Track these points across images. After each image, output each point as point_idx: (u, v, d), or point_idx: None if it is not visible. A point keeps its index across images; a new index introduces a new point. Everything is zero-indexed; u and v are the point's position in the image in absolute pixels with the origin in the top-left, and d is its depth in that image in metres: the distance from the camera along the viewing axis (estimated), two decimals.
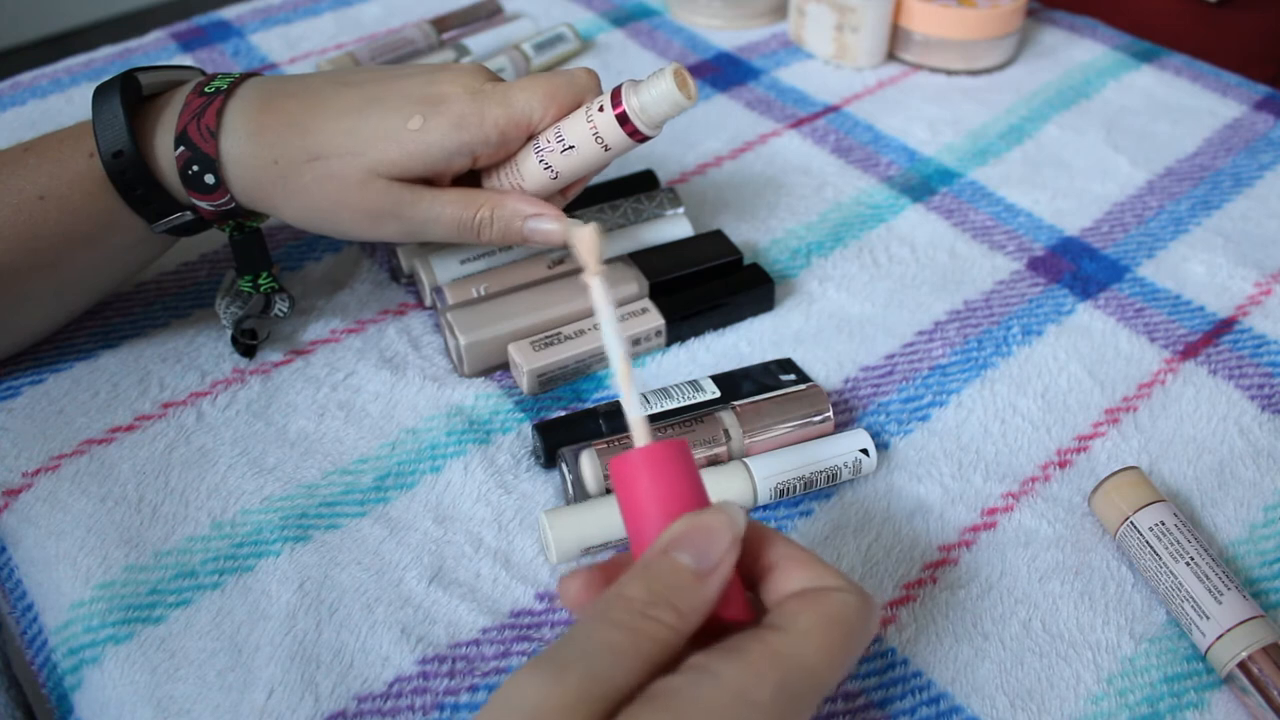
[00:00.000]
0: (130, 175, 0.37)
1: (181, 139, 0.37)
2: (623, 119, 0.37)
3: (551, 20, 0.66)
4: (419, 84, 0.38)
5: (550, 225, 0.39)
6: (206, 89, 0.38)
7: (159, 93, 0.39)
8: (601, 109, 0.37)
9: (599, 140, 0.38)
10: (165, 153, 0.38)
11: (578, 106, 0.38)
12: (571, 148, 0.38)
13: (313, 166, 0.37)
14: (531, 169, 0.39)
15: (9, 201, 0.37)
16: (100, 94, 0.38)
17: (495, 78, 0.39)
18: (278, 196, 0.38)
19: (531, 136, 0.39)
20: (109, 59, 0.63)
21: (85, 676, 0.33)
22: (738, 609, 0.26)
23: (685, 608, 0.24)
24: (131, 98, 0.38)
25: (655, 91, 0.37)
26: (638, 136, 0.38)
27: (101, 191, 0.37)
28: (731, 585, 0.26)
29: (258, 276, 0.42)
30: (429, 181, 0.38)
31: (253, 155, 0.37)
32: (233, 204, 0.38)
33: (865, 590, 0.26)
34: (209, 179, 0.37)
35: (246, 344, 0.42)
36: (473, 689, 0.33)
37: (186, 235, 0.41)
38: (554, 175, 0.39)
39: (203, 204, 0.38)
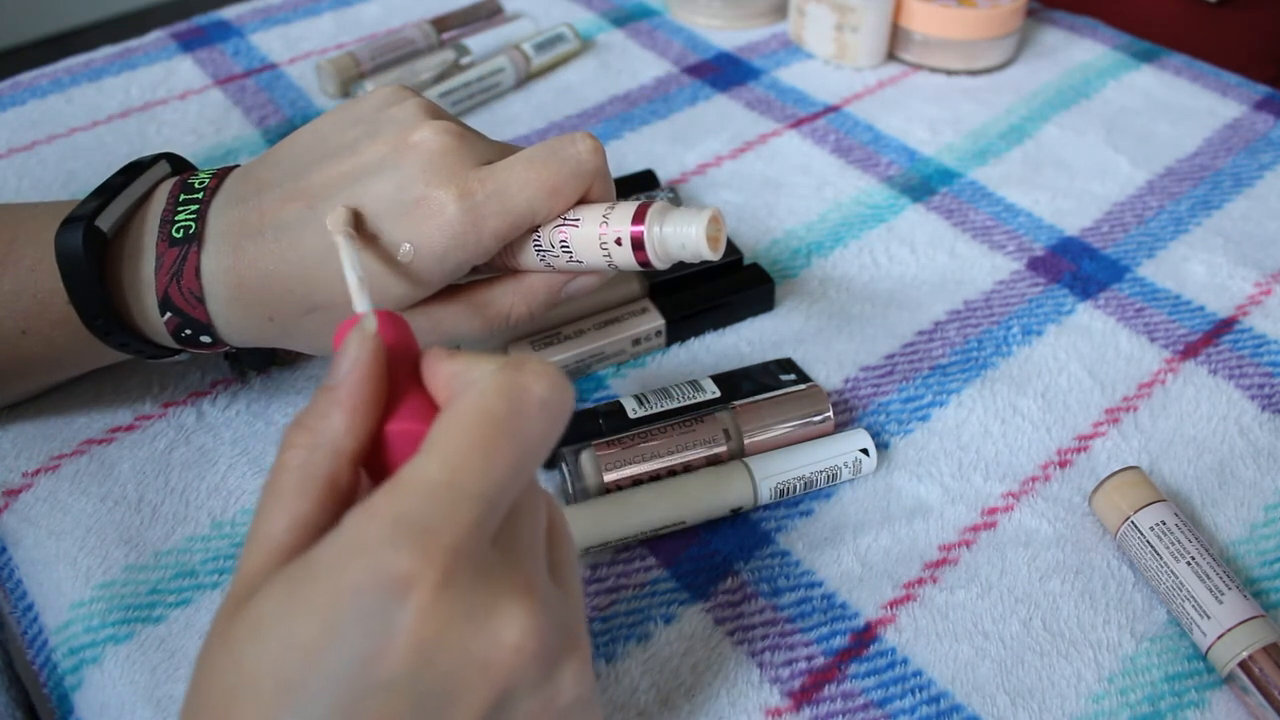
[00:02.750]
0: (116, 336, 0.34)
1: (166, 305, 0.33)
2: (637, 245, 0.32)
3: (551, 20, 0.66)
4: (390, 189, 0.32)
5: (589, 281, 0.35)
6: (175, 232, 0.33)
7: (128, 216, 0.35)
8: (619, 241, 0.33)
9: (609, 262, 0.33)
10: (152, 315, 0.34)
11: (582, 194, 0.34)
12: (579, 262, 0.34)
13: (312, 318, 0.33)
14: (530, 261, 0.35)
15: None
16: (63, 249, 0.33)
17: (473, 145, 0.33)
18: (281, 342, 0.35)
19: (534, 230, 0.34)
20: (109, 59, 0.63)
21: (85, 676, 0.33)
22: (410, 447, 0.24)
23: (312, 422, 0.24)
24: (95, 242, 0.33)
25: (681, 239, 0.32)
26: (649, 267, 0.33)
27: (88, 336, 0.34)
28: (395, 421, 0.24)
29: (264, 368, 0.42)
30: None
31: (244, 317, 0.34)
32: (234, 349, 0.37)
33: (523, 363, 0.23)
34: (205, 339, 0.35)
35: (241, 370, 0.42)
36: None
37: None
38: (554, 271, 0.35)
39: (202, 353, 0.37)
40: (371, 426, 0.25)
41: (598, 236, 0.33)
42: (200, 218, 0.34)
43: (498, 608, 0.22)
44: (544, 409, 0.23)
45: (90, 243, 0.33)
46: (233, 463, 0.39)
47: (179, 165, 0.38)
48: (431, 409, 0.25)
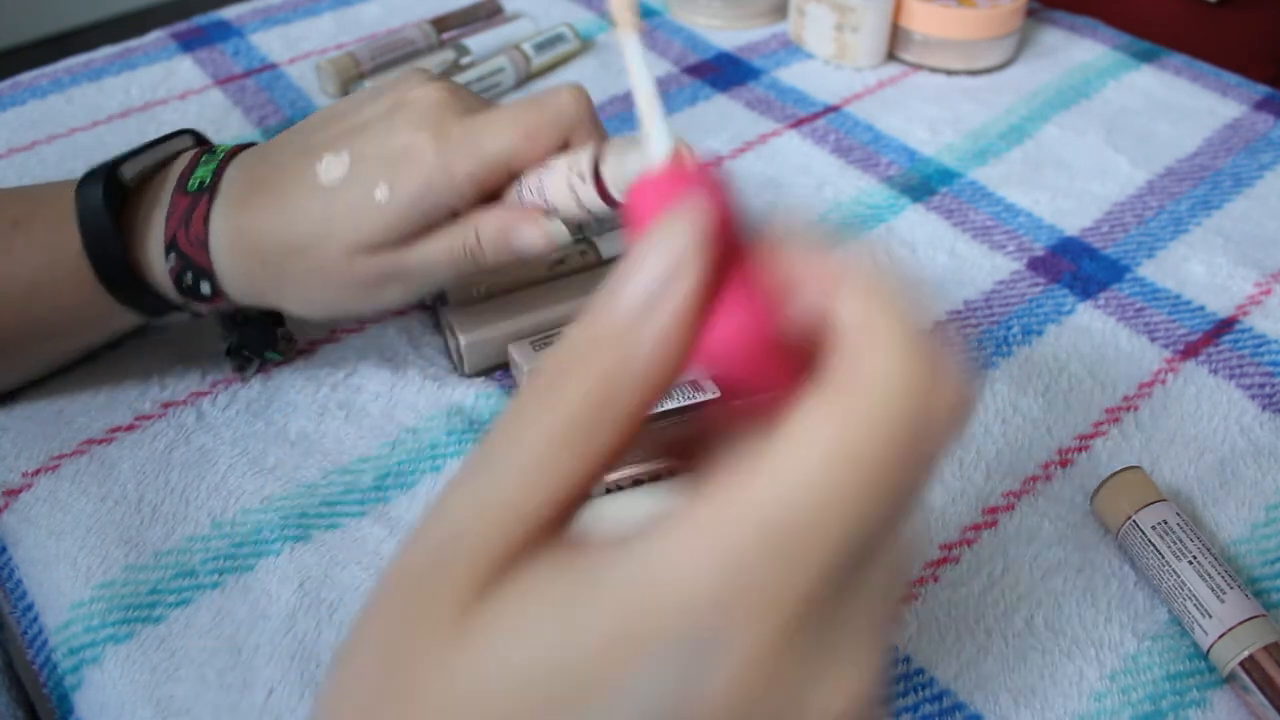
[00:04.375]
0: (123, 284, 0.36)
1: (172, 247, 0.35)
2: (596, 176, 0.33)
3: (551, 20, 0.66)
4: (378, 138, 0.34)
5: (530, 230, 0.34)
6: (190, 185, 0.36)
7: (148, 176, 0.37)
8: (583, 176, 0.33)
9: (576, 200, 0.34)
10: (157, 260, 0.36)
11: (563, 142, 0.34)
12: (556, 208, 0.34)
13: (295, 260, 0.35)
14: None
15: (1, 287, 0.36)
16: (83, 193, 0.35)
17: (464, 100, 0.35)
18: (272, 294, 0.36)
19: (515, 176, 0.35)
20: (109, 59, 0.63)
21: (85, 676, 0.33)
22: (769, 371, 0.17)
23: (611, 343, 0.17)
24: (116, 192, 0.36)
25: (633, 166, 0.32)
26: (614, 203, 0.33)
27: (94, 289, 0.36)
28: (732, 328, 0.17)
29: (263, 353, 0.42)
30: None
31: (241, 261, 0.35)
32: (232, 306, 0.37)
33: (939, 365, 0.17)
34: (205, 287, 0.36)
35: (241, 361, 0.42)
36: None
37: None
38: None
39: (201, 307, 0.37)
40: (690, 351, 0.17)
41: (565, 174, 0.33)
42: (217, 173, 0.36)
43: (827, 677, 0.17)
44: (951, 429, 0.17)
45: (110, 188, 0.35)
46: (233, 463, 0.39)
47: (200, 142, 0.40)
48: (794, 356, 0.17)
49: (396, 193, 0.33)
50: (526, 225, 0.34)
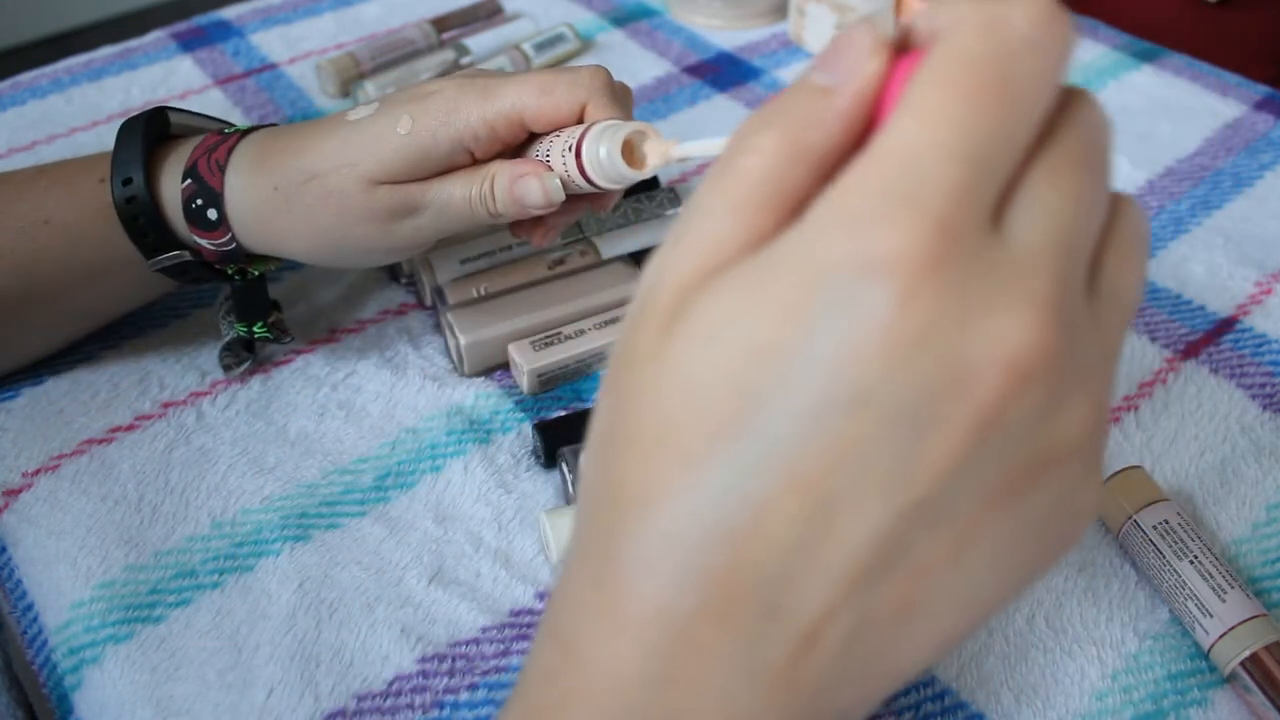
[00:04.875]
0: (134, 204, 0.37)
1: (190, 173, 0.37)
2: (579, 153, 0.33)
3: (551, 20, 0.66)
4: (413, 88, 0.37)
5: (531, 183, 0.35)
6: (226, 129, 0.38)
7: (187, 134, 0.39)
8: (571, 148, 0.34)
9: (566, 170, 0.34)
10: (172, 186, 0.37)
11: (578, 108, 0.35)
12: (553, 168, 0.35)
13: (311, 186, 0.36)
14: None
15: (15, 225, 0.37)
16: (126, 125, 0.38)
17: (497, 74, 0.38)
18: (283, 224, 0.37)
19: (533, 136, 0.36)
20: (109, 59, 0.63)
21: (85, 676, 0.33)
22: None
23: (793, 128, 0.19)
24: (156, 134, 0.38)
25: (602, 152, 0.32)
26: (593, 184, 0.34)
27: (105, 220, 0.37)
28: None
29: (253, 324, 0.41)
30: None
31: (253, 185, 0.36)
32: (234, 244, 0.37)
33: None
34: (211, 214, 0.37)
35: (228, 363, 0.42)
36: (472, 687, 0.33)
37: (188, 282, 0.40)
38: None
39: (204, 242, 0.37)
40: (860, 142, 0.19)
41: (564, 142, 0.34)
42: (254, 127, 0.38)
43: (996, 307, 0.17)
44: (1035, 53, 0.18)
45: (154, 117, 0.38)
46: (233, 463, 0.39)
47: None
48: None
49: (417, 125, 0.35)
50: (530, 176, 0.36)
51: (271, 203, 0.36)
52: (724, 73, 0.62)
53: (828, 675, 0.19)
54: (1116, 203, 0.20)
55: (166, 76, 0.61)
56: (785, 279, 0.18)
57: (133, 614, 0.34)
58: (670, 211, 0.48)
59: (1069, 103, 0.19)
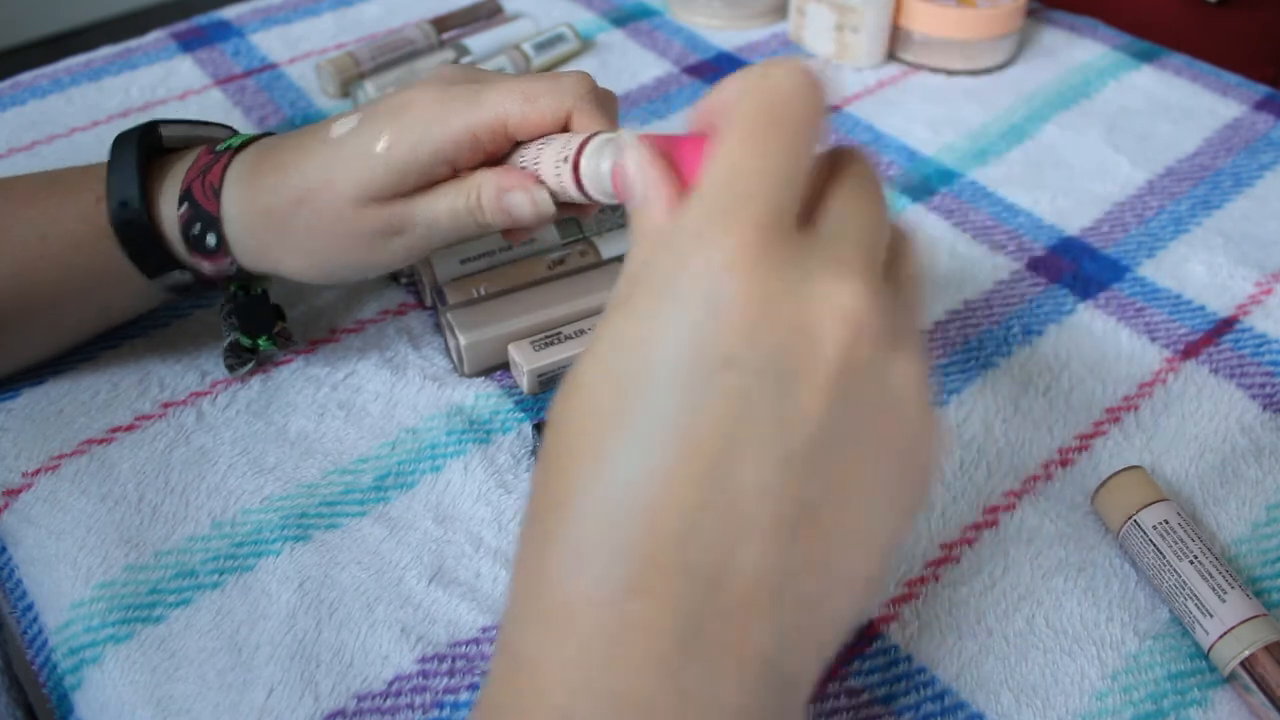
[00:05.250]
0: (132, 227, 0.36)
1: (185, 196, 0.36)
2: (575, 166, 0.32)
3: (551, 20, 0.66)
4: (392, 98, 0.36)
5: (520, 196, 0.35)
6: (218, 147, 0.37)
7: (181, 147, 0.39)
8: (567, 159, 0.33)
9: (559, 181, 0.34)
10: (169, 209, 0.37)
11: (563, 115, 0.35)
12: (545, 184, 0.34)
13: (301, 210, 0.35)
14: None
15: (14, 237, 0.37)
16: (119, 140, 0.37)
17: (478, 75, 0.36)
18: (277, 248, 0.37)
19: (518, 144, 0.36)
20: (109, 59, 0.63)
21: (85, 676, 0.33)
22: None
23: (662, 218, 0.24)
24: (150, 148, 0.37)
25: (604, 167, 0.31)
26: (588, 198, 0.33)
27: (103, 238, 0.37)
28: None
29: (258, 337, 0.41)
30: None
31: (247, 210, 0.36)
32: (234, 268, 0.37)
33: (767, 66, 0.23)
34: (210, 239, 0.36)
35: (232, 364, 0.42)
36: (472, 687, 0.33)
37: (188, 296, 0.40)
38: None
39: (204, 265, 0.37)
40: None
41: (557, 153, 0.33)
42: (247, 142, 0.38)
43: (817, 280, 0.21)
44: (803, 101, 0.23)
45: (146, 134, 0.37)
46: (233, 463, 0.39)
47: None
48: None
49: (395, 142, 0.34)
50: (518, 191, 0.35)
51: (266, 227, 0.36)
52: (724, 73, 0.62)
53: (771, 637, 0.21)
54: (895, 226, 0.26)
55: (166, 76, 0.61)
56: (646, 291, 0.22)
57: (133, 614, 0.34)
58: None
59: (848, 154, 0.24)
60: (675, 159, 0.25)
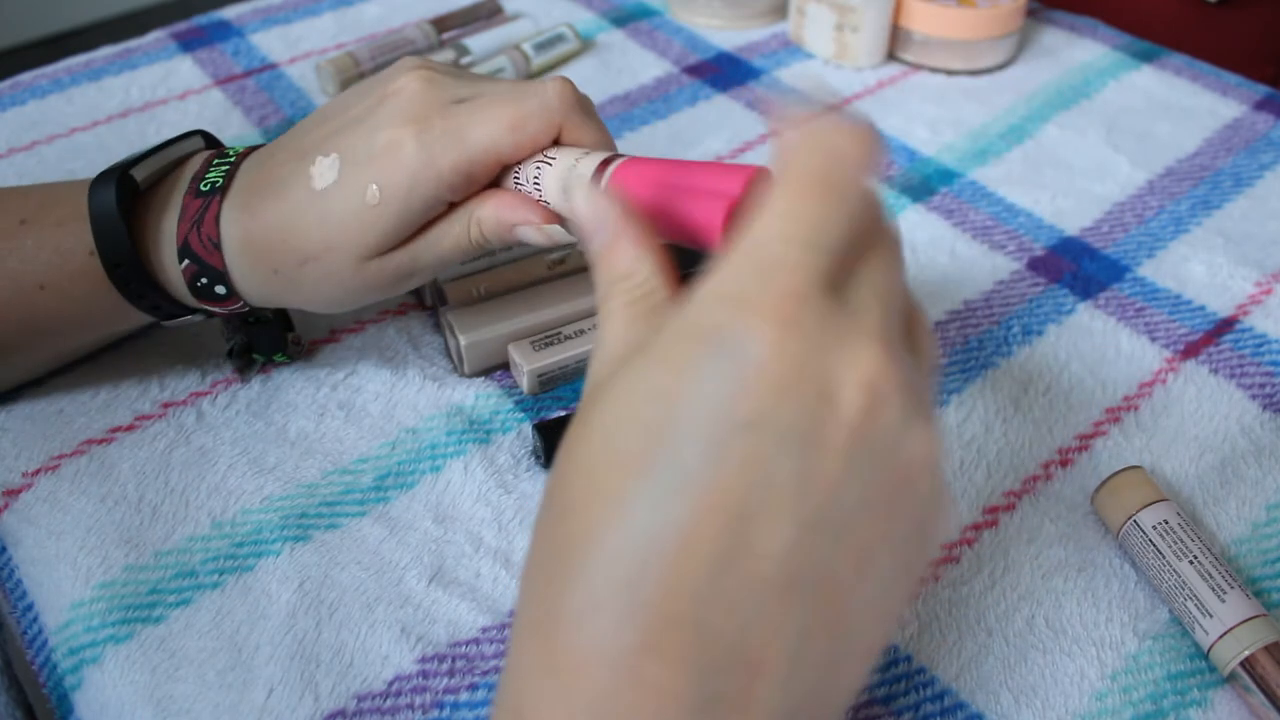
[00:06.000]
0: (135, 286, 0.36)
1: (185, 252, 0.35)
2: None
3: (551, 20, 0.66)
4: (364, 135, 0.34)
5: (528, 230, 0.34)
6: (202, 186, 0.36)
7: (160, 178, 0.37)
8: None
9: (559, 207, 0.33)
10: (170, 265, 0.36)
11: (554, 133, 0.34)
12: (547, 201, 0.34)
13: (307, 269, 0.35)
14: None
15: (6, 286, 0.36)
16: (96, 195, 0.35)
17: (448, 86, 0.34)
18: (289, 296, 0.36)
19: (507, 166, 0.35)
20: (109, 59, 0.63)
21: (85, 676, 0.33)
22: None
23: (626, 273, 0.26)
24: (128, 194, 0.35)
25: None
26: None
27: (106, 290, 0.36)
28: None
29: (274, 354, 0.42)
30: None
31: (254, 270, 0.35)
32: (247, 308, 0.37)
33: (830, 125, 0.24)
34: (220, 289, 0.36)
35: (239, 365, 0.42)
36: (472, 687, 0.33)
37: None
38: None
39: (215, 309, 0.37)
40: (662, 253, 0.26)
41: (565, 173, 0.32)
42: (229, 175, 0.36)
43: (846, 347, 0.22)
44: (859, 169, 0.23)
45: (122, 190, 0.35)
46: (233, 463, 0.39)
47: (210, 142, 0.40)
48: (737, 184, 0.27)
49: (385, 193, 0.33)
50: (528, 227, 0.34)
51: (275, 283, 0.36)
52: (724, 73, 0.62)
53: (779, 703, 0.21)
54: (912, 304, 0.26)
55: (166, 76, 0.61)
56: (678, 344, 0.22)
57: (133, 614, 0.34)
58: None
59: (878, 221, 0.25)
60: (709, 186, 0.25)
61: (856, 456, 0.21)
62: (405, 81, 0.34)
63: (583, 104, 0.34)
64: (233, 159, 0.36)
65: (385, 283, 0.36)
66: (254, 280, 0.36)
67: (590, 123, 0.34)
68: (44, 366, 0.41)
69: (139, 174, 0.36)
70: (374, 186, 0.33)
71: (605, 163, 0.32)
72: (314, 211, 0.34)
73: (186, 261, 0.35)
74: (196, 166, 0.37)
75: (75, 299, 0.36)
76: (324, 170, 0.34)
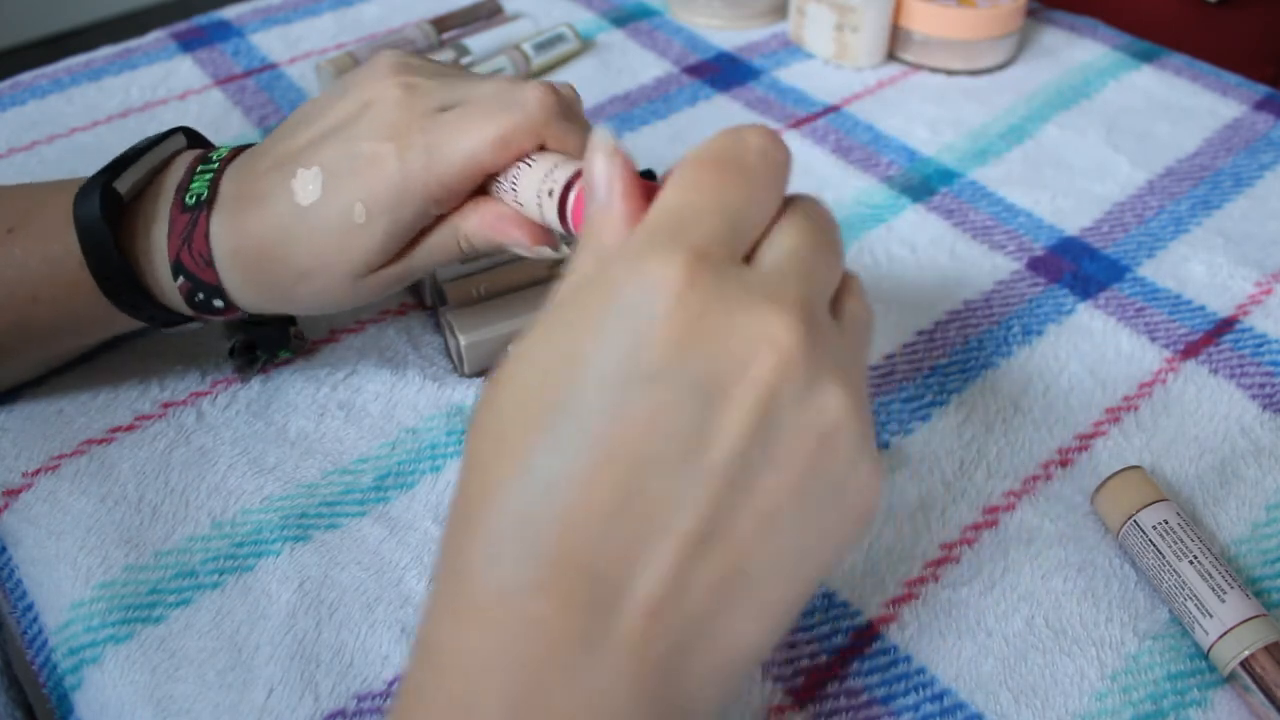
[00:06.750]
0: (129, 298, 0.35)
1: (178, 269, 0.35)
2: (561, 205, 0.31)
3: (551, 20, 0.66)
4: (344, 147, 0.33)
5: (519, 250, 0.34)
6: (188, 199, 0.35)
7: (144, 184, 0.36)
8: (551, 193, 0.31)
9: (540, 213, 0.32)
10: (164, 278, 0.35)
11: (535, 142, 0.33)
12: (520, 204, 0.33)
13: (301, 285, 0.35)
14: (497, 195, 0.34)
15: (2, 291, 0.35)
16: (80, 208, 0.34)
17: (428, 92, 0.33)
18: (287, 306, 0.36)
19: (491, 175, 0.34)
20: (109, 59, 0.63)
21: (85, 676, 0.33)
22: None
23: (602, 243, 0.26)
24: (113, 205, 0.34)
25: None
26: (573, 236, 0.32)
27: (99, 299, 0.35)
28: None
29: (278, 351, 0.42)
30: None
31: (247, 284, 0.35)
32: (247, 315, 0.37)
33: (739, 126, 0.25)
34: (217, 303, 0.36)
35: (240, 365, 0.42)
36: None
37: None
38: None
39: (214, 319, 0.37)
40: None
41: (538, 183, 0.32)
42: (213, 185, 0.35)
43: (754, 309, 0.22)
44: (762, 155, 0.25)
45: (107, 205, 0.34)
46: (233, 463, 0.39)
47: (194, 139, 0.39)
48: None
49: (371, 211, 0.33)
50: (517, 245, 0.34)
51: (272, 295, 0.36)
52: (724, 73, 0.62)
53: (672, 647, 0.22)
54: (847, 273, 0.26)
55: (166, 76, 0.61)
56: (583, 303, 0.23)
57: (133, 614, 0.34)
58: None
59: (799, 198, 0.26)
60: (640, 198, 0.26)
61: (761, 413, 0.22)
62: (384, 90, 0.33)
63: (565, 109, 0.33)
64: (215, 165, 0.36)
65: (382, 292, 0.36)
66: (250, 293, 0.35)
67: (572, 128, 0.33)
68: (42, 367, 0.41)
69: (122, 186, 0.35)
70: (360, 205, 0.33)
71: (579, 173, 0.31)
72: (302, 229, 0.34)
73: (181, 279, 0.35)
74: (180, 174, 0.36)
75: (69, 309, 0.36)
76: (306, 184, 0.33)
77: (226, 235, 0.34)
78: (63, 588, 0.35)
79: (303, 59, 0.63)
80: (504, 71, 0.59)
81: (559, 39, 0.62)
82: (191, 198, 0.35)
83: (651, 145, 0.56)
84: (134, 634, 0.33)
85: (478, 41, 0.62)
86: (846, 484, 0.23)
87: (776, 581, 0.23)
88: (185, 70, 0.62)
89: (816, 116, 0.59)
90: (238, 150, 0.37)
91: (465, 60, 0.61)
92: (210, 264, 0.35)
